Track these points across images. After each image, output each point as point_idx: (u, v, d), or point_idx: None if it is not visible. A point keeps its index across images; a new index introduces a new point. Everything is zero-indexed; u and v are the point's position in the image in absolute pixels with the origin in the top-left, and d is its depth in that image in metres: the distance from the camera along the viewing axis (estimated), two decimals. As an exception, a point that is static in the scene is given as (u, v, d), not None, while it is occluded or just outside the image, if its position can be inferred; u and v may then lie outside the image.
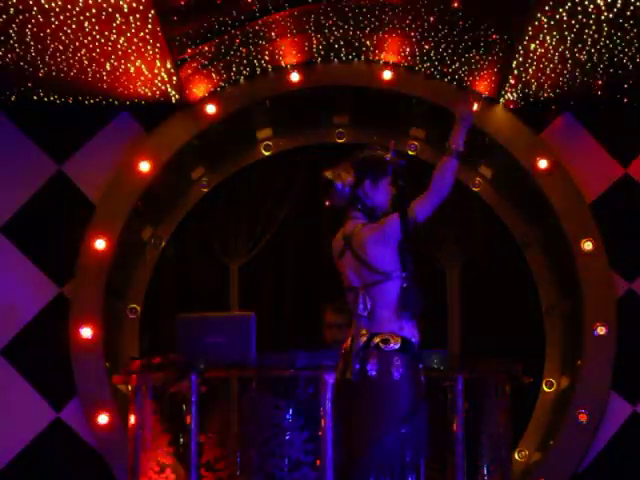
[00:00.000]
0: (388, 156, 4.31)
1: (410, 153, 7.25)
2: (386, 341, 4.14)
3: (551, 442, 6.93)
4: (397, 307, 4.17)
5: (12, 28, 6.01)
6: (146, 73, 6.62)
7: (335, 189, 4.28)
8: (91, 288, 6.94)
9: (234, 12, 6.19)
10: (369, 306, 4.19)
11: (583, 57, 6.44)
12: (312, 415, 4.87)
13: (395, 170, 4.31)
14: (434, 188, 4.14)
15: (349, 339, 4.24)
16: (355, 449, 4.11)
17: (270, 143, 7.44)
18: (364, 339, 4.17)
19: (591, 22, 6.03)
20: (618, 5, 5.86)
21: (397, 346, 4.13)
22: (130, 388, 5.60)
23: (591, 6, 5.86)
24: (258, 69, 6.99)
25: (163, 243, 7.42)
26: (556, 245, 7.20)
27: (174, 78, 6.71)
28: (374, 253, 4.21)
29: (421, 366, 4.19)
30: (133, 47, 6.26)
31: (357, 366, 4.15)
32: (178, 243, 7.47)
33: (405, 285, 4.18)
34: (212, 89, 7.04)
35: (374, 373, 4.13)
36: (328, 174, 4.29)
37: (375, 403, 4.12)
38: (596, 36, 6.19)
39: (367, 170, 4.29)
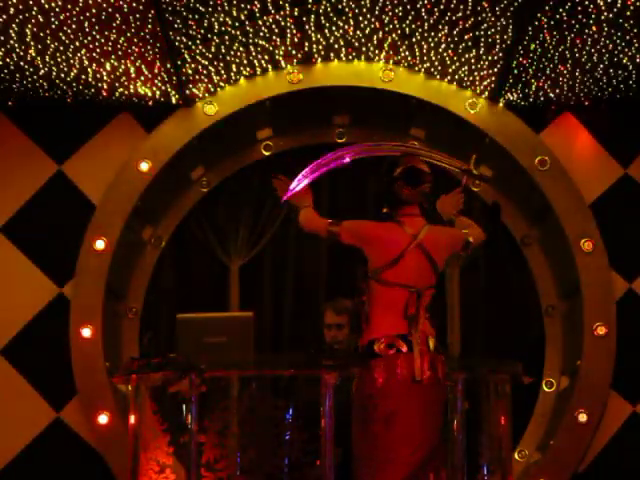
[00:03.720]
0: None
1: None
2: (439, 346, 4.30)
3: (551, 442, 6.93)
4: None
5: (12, 28, 6.02)
6: (146, 73, 6.63)
7: (432, 185, 4.37)
8: (91, 288, 6.94)
9: (234, 12, 6.19)
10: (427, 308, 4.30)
11: (583, 57, 6.45)
12: (312, 415, 4.87)
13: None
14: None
15: (388, 337, 4.22)
16: (428, 448, 4.18)
17: (270, 143, 7.44)
18: (426, 341, 4.23)
19: (591, 22, 6.03)
20: (618, 5, 5.86)
21: None
22: (130, 388, 5.60)
23: (591, 6, 5.86)
24: (258, 69, 6.99)
25: (163, 243, 7.42)
26: (556, 245, 7.20)
27: (174, 78, 6.71)
28: (444, 258, 4.33)
29: None
30: (133, 47, 6.27)
31: (426, 368, 4.20)
32: (178, 243, 7.47)
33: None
34: (212, 89, 7.04)
35: (441, 377, 4.26)
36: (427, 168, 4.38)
37: (442, 405, 4.29)
38: (596, 36, 6.20)
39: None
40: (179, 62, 6.59)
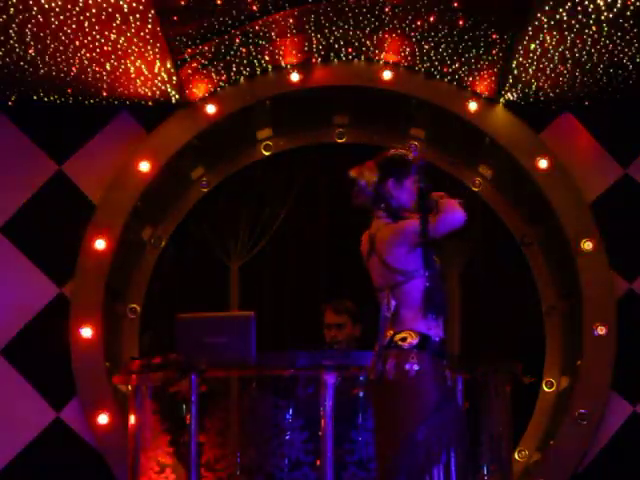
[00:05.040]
0: (410, 155, 4.31)
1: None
2: (404, 339, 4.13)
3: (551, 442, 6.93)
4: (421, 307, 4.16)
5: (12, 28, 6.01)
6: (146, 73, 6.62)
7: (359, 188, 4.27)
8: (91, 288, 6.94)
9: (234, 12, 6.19)
10: (393, 307, 4.16)
11: (583, 57, 6.45)
12: (312, 415, 4.87)
13: (419, 170, 4.33)
14: (443, 219, 4.21)
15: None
16: (382, 451, 4.11)
17: (270, 143, 7.44)
18: (387, 339, 4.16)
19: (591, 22, 6.03)
20: (618, 5, 5.86)
21: (415, 342, 4.11)
22: (130, 388, 5.60)
23: (591, 6, 5.86)
24: (258, 69, 6.99)
25: (163, 243, 7.42)
26: (556, 245, 7.20)
27: (174, 78, 6.71)
28: (394, 254, 4.18)
29: (445, 362, 4.20)
30: (133, 47, 6.27)
31: (379, 366, 4.13)
32: (178, 243, 7.47)
33: (429, 285, 4.19)
34: (212, 89, 7.04)
35: (392, 372, 4.11)
36: (353, 172, 4.27)
37: (395, 402, 4.10)
38: (596, 36, 6.19)
39: (391, 169, 4.28)
40: (179, 62, 6.59)
